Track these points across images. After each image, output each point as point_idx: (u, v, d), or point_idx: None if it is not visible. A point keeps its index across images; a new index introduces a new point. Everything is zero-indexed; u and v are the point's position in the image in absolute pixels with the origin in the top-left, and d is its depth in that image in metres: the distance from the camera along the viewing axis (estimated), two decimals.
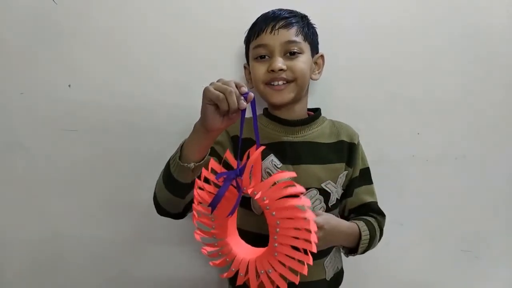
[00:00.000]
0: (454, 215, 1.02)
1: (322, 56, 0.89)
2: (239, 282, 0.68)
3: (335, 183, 0.83)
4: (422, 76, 0.99)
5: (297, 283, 0.63)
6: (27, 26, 0.94)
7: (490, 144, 1.00)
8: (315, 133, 0.86)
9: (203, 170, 0.68)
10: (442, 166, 1.01)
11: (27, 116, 0.96)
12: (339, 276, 0.89)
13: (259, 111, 0.95)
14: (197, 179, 0.68)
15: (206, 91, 0.64)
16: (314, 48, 0.87)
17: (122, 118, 0.98)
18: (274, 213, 0.62)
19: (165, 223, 0.96)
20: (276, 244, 0.63)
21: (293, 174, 0.62)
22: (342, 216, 0.90)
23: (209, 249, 0.73)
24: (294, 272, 0.63)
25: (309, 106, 0.91)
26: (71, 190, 0.99)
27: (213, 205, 0.65)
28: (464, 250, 1.03)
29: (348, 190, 0.87)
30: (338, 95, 1.00)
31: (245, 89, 0.63)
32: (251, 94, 0.63)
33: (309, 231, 0.62)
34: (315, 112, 0.89)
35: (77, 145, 0.97)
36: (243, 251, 0.70)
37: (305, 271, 0.62)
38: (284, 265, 0.63)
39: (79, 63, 0.96)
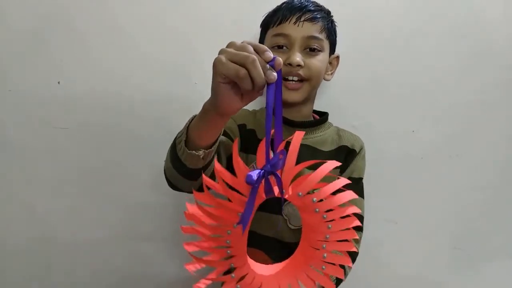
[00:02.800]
0: (448, 213, 1.01)
1: (337, 57, 0.84)
2: None
3: None
4: (417, 75, 0.97)
5: None
6: (15, 22, 0.90)
7: (484, 143, 0.99)
8: (317, 139, 0.79)
9: (208, 181, 0.46)
10: (437, 164, 0.99)
11: (16, 113, 0.92)
12: None
13: (262, 105, 0.87)
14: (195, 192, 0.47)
15: (218, 65, 0.44)
16: (333, 48, 0.81)
17: (113, 115, 0.93)
18: (325, 215, 0.48)
19: (158, 223, 0.96)
20: (325, 255, 0.50)
21: (336, 163, 0.50)
22: None
23: (206, 282, 0.52)
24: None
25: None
26: (61, 189, 0.95)
27: (245, 221, 0.45)
28: (457, 248, 1.02)
29: None
30: (331, 94, 0.95)
31: (270, 54, 0.45)
32: (279, 60, 0.46)
33: (353, 229, 0.52)
34: (322, 117, 0.84)
35: (67, 143, 0.93)
36: (262, 272, 0.53)
37: (343, 275, 0.53)
38: (329, 276, 0.51)
39: (69, 60, 0.91)
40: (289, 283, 0.51)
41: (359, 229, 0.79)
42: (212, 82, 0.46)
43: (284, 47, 0.75)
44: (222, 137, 0.65)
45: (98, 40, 0.91)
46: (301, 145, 0.77)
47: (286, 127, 0.77)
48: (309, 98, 0.80)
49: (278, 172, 0.47)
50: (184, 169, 0.55)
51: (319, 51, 0.76)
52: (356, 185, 0.81)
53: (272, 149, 0.49)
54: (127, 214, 0.96)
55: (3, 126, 0.92)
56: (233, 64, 0.44)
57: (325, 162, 0.49)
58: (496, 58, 0.98)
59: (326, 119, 0.84)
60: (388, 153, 0.98)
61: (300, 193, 0.47)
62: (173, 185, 0.61)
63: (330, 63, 0.83)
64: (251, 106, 0.84)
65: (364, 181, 0.82)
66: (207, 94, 0.50)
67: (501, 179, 1.02)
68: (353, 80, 0.96)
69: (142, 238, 0.97)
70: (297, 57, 0.73)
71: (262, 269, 0.54)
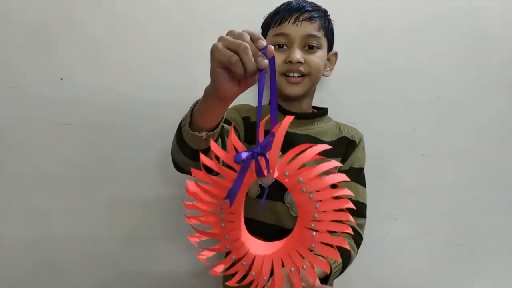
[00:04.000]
0: (449, 209, 1.02)
1: (335, 53, 0.88)
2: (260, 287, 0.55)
3: None
4: (418, 72, 0.99)
5: (328, 272, 0.54)
6: (18, 19, 0.91)
7: (484, 139, 1.01)
8: (318, 129, 0.84)
9: (203, 158, 0.52)
10: (437, 161, 1.01)
11: (18, 110, 0.93)
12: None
13: (265, 101, 0.92)
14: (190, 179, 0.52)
15: (215, 51, 0.48)
16: (330, 45, 0.86)
17: (115, 112, 0.94)
18: (312, 196, 0.50)
19: (160, 219, 0.97)
20: (314, 234, 0.52)
21: (327, 146, 0.51)
22: None
23: (210, 253, 0.57)
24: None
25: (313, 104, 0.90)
26: (63, 186, 0.96)
27: (231, 196, 0.49)
28: (459, 244, 1.03)
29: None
30: (332, 91, 0.97)
31: (263, 42, 0.49)
32: (271, 48, 0.49)
33: (347, 211, 0.53)
34: (321, 110, 0.88)
35: (69, 140, 0.94)
36: (258, 249, 0.56)
37: (339, 257, 0.54)
38: (321, 256, 0.53)
39: (71, 57, 0.92)
40: (283, 259, 0.54)
41: (361, 215, 0.82)
42: (210, 67, 0.51)
43: (285, 46, 0.80)
44: (228, 127, 0.70)
45: (100, 37, 0.92)
46: (303, 135, 0.82)
47: None
48: (309, 93, 0.85)
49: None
50: (188, 150, 0.59)
51: (318, 48, 0.80)
52: (358, 175, 0.84)
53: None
54: (130, 211, 0.97)
55: (6, 123, 0.93)
56: (227, 50, 0.47)
57: (315, 145, 0.51)
58: (497, 54, 0.99)
59: (326, 112, 0.88)
60: (389, 149, 0.99)
61: (287, 173, 0.50)
62: (178, 167, 0.65)
63: (328, 59, 0.87)
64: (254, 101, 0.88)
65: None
66: None
67: (501, 175, 1.03)
68: (353, 77, 0.97)
69: (145, 236, 0.98)
70: (297, 55, 0.78)
71: (259, 246, 0.57)
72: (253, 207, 0.75)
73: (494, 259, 1.05)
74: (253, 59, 0.47)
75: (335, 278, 0.77)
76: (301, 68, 0.79)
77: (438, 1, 0.97)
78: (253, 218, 0.77)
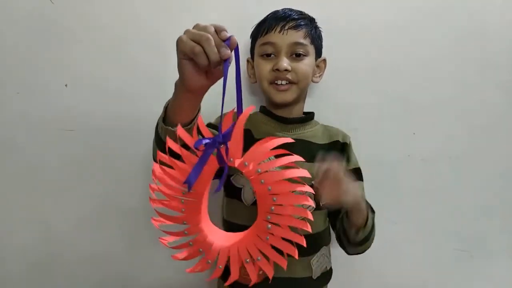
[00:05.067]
0: (448, 214, 1.02)
1: (324, 60, 0.88)
2: (215, 275, 0.56)
3: None
4: (417, 77, 0.99)
5: (285, 267, 0.54)
6: (24, 25, 0.93)
7: (484, 144, 1.01)
8: (309, 133, 0.84)
9: (168, 140, 0.53)
10: (437, 166, 1.01)
11: (23, 115, 0.94)
12: (326, 275, 0.85)
13: (256, 109, 0.90)
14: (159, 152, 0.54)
15: (179, 42, 0.50)
16: (318, 52, 0.86)
17: (119, 118, 0.95)
18: (270, 187, 0.51)
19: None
20: (269, 226, 0.52)
21: (289, 139, 0.52)
22: (332, 215, 0.86)
23: (172, 238, 0.58)
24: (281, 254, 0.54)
25: (305, 109, 0.89)
26: (67, 191, 0.97)
27: (190, 181, 0.50)
28: (458, 249, 1.03)
29: None
30: (333, 96, 0.98)
31: (226, 33, 0.51)
32: (234, 39, 0.51)
33: (307, 207, 0.54)
34: (309, 115, 0.88)
35: (73, 145, 0.95)
36: (219, 239, 0.57)
37: (296, 254, 0.54)
38: (276, 249, 0.53)
39: (76, 63, 0.94)
40: (239, 249, 0.55)
41: (372, 209, 0.81)
42: (177, 60, 0.52)
43: (272, 55, 0.80)
44: (213, 131, 0.70)
45: (105, 43, 0.93)
46: (296, 139, 0.82)
47: (278, 123, 0.83)
48: (299, 99, 0.84)
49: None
50: (162, 146, 0.57)
51: (305, 55, 0.80)
52: (361, 174, 0.85)
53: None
54: (131, 217, 0.97)
55: (11, 128, 0.94)
56: (191, 41, 0.49)
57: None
58: (496, 59, 0.99)
59: (313, 116, 0.88)
60: (389, 154, 0.99)
61: (246, 163, 0.51)
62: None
63: (317, 66, 0.87)
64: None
65: (364, 182, 0.85)
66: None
67: (501, 180, 1.02)
68: (354, 83, 0.97)
69: (146, 242, 0.98)
70: (284, 63, 0.78)
71: (221, 237, 0.58)
72: (248, 214, 0.74)
73: (493, 264, 1.04)
74: (216, 49, 0.49)
75: (368, 232, 0.76)
76: (289, 76, 0.79)
77: (439, 5, 0.97)
78: (247, 225, 0.75)
